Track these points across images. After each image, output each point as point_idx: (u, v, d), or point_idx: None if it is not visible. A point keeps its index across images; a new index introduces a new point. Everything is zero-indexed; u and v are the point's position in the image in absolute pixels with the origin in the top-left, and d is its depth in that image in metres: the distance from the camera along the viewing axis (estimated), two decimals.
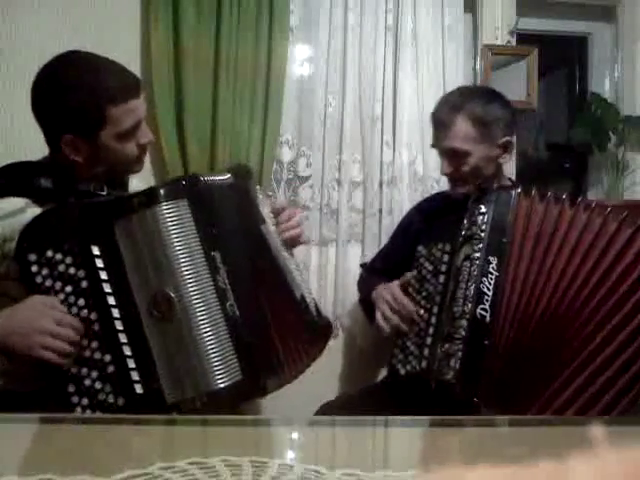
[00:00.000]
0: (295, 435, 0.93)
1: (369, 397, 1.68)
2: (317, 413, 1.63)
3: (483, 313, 1.35)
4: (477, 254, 1.40)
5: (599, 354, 1.30)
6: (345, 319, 2.15)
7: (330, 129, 2.13)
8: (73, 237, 1.14)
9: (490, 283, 1.36)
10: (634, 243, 1.35)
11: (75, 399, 1.10)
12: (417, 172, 2.16)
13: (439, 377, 1.37)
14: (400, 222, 1.91)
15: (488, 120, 1.57)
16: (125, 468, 0.64)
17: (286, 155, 2.16)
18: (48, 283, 1.13)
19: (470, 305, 1.36)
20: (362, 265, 1.97)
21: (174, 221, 1.13)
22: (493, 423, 1.08)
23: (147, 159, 1.95)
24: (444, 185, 1.85)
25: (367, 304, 1.68)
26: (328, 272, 2.14)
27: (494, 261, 1.37)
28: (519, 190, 1.45)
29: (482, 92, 1.70)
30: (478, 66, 2.31)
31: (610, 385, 1.29)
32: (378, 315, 1.53)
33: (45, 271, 1.13)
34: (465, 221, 1.44)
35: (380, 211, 2.16)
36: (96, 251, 1.13)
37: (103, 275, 1.13)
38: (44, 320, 1.10)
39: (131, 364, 1.11)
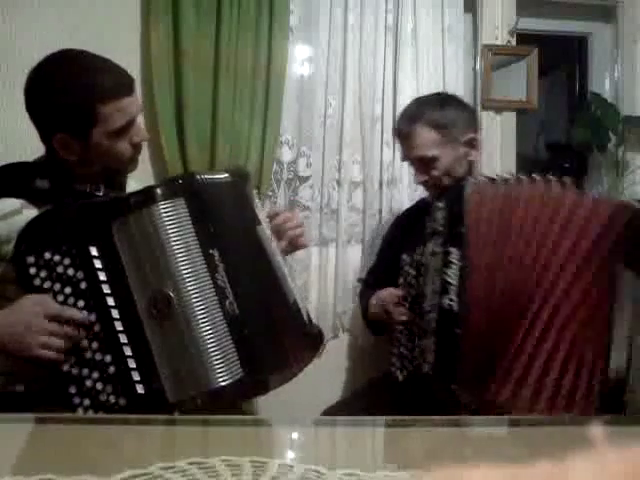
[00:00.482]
0: (295, 435, 0.93)
1: (363, 398, 1.70)
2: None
3: (450, 303, 1.38)
4: (439, 248, 1.43)
5: (553, 329, 1.31)
6: (346, 319, 2.16)
7: (330, 129, 2.13)
8: (71, 238, 1.14)
9: (454, 273, 1.39)
10: (576, 213, 1.35)
11: (77, 400, 1.10)
12: None
13: (419, 372, 1.40)
14: (384, 235, 1.97)
15: (446, 122, 1.65)
16: (125, 468, 0.64)
17: (286, 155, 2.16)
18: (47, 285, 1.13)
19: (437, 297, 1.40)
20: (359, 280, 2.01)
21: (171, 220, 1.12)
22: (493, 423, 1.08)
23: (147, 159, 1.97)
24: None
25: (367, 315, 1.75)
26: (328, 272, 2.14)
27: (455, 251, 1.40)
28: (471, 180, 1.49)
29: (436, 98, 1.77)
30: (478, 66, 2.31)
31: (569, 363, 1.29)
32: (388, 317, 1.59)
33: (43, 273, 1.13)
34: (428, 220, 1.49)
35: (380, 211, 2.16)
36: (94, 252, 1.13)
37: (102, 276, 1.12)
38: (36, 319, 1.10)
39: (132, 364, 1.11)
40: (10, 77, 1.93)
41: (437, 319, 1.39)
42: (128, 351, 1.11)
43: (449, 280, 1.39)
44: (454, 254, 1.40)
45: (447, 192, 1.52)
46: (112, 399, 1.10)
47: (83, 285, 1.13)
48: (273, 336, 1.22)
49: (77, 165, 1.28)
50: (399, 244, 1.65)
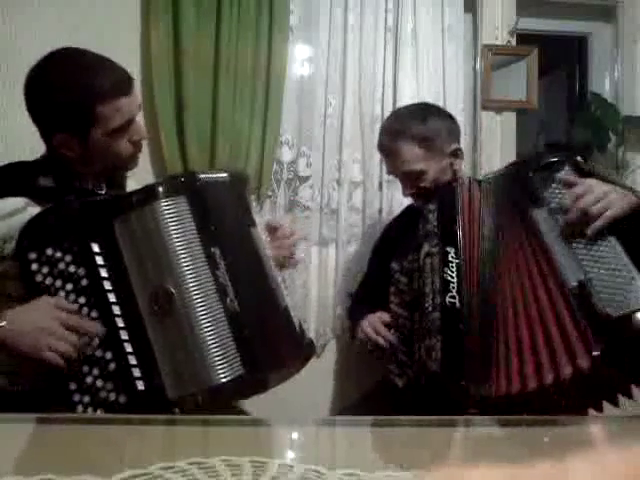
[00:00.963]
0: (295, 435, 0.93)
1: (369, 403, 1.70)
2: None
3: (452, 300, 1.39)
4: (435, 248, 1.44)
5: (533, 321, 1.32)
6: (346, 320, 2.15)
7: (330, 129, 2.13)
8: (73, 235, 1.14)
9: (452, 271, 1.40)
10: None
11: (77, 397, 1.10)
12: None
13: (426, 372, 1.39)
14: (373, 247, 1.97)
15: (430, 136, 1.66)
16: (125, 468, 0.64)
17: (286, 155, 2.16)
18: (48, 281, 1.13)
19: (439, 296, 1.40)
20: (349, 294, 2.00)
21: (173, 217, 1.13)
22: (493, 423, 1.08)
23: (147, 159, 1.98)
24: None
25: (355, 331, 1.74)
26: (328, 272, 2.14)
27: (451, 250, 1.42)
28: (460, 181, 1.51)
29: (418, 110, 1.76)
30: (478, 66, 2.31)
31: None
32: (368, 345, 1.63)
33: (45, 269, 1.13)
34: (420, 223, 1.49)
35: (380, 211, 2.16)
36: (96, 248, 1.13)
37: (103, 272, 1.13)
38: (51, 321, 1.09)
39: (132, 361, 1.11)
40: (10, 77, 1.93)
41: (441, 317, 1.39)
42: (129, 348, 1.11)
43: (449, 278, 1.40)
44: (451, 253, 1.42)
45: (437, 194, 1.53)
46: (112, 396, 1.10)
47: (84, 282, 1.13)
48: (270, 336, 1.22)
49: (78, 163, 1.28)
50: (388, 254, 1.65)
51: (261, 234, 1.32)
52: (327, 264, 2.14)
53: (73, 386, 1.11)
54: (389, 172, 1.79)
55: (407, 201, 2.09)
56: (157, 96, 1.95)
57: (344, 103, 2.13)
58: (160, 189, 1.15)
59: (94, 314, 1.13)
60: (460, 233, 1.43)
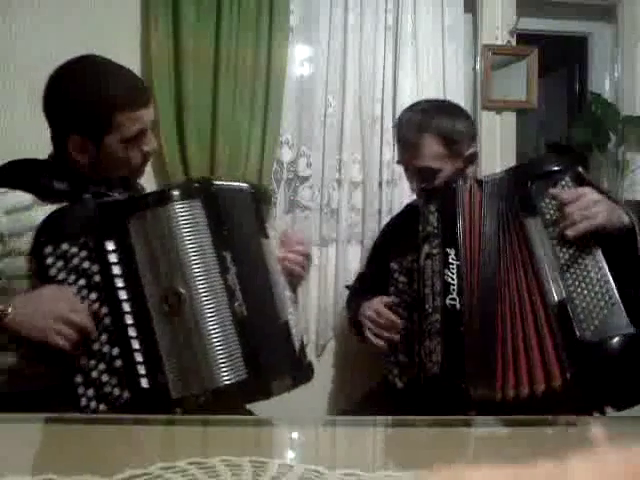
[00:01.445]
0: (295, 435, 0.93)
1: (370, 404, 1.69)
2: None
3: (453, 302, 1.39)
4: (435, 250, 1.44)
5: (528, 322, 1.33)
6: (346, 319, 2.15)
7: (330, 129, 2.13)
8: (89, 232, 1.17)
9: (453, 273, 1.40)
10: None
11: (81, 390, 1.12)
12: None
13: (426, 374, 1.39)
14: (373, 244, 1.96)
15: (456, 136, 1.62)
16: (125, 468, 0.64)
17: (286, 155, 2.16)
18: (62, 276, 1.16)
19: (439, 298, 1.40)
20: (347, 287, 2.00)
21: (187, 220, 1.16)
22: (493, 423, 1.08)
23: None
24: None
25: (355, 323, 1.71)
26: (328, 272, 2.14)
27: (452, 252, 1.42)
28: (460, 182, 1.50)
29: (447, 107, 1.73)
30: (478, 66, 2.31)
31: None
32: (367, 333, 1.57)
33: (60, 264, 1.16)
34: (420, 224, 1.49)
35: (380, 211, 2.16)
36: (110, 246, 1.16)
37: (116, 270, 1.15)
38: (60, 307, 1.12)
39: (138, 358, 1.13)
40: (10, 77, 1.93)
41: (442, 320, 1.39)
42: (136, 345, 1.13)
43: (449, 280, 1.40)
44: (452, 254, 1.41)
45: (437, 195, 1.51)
46: (116, 391, 1.12)
47: (97, 278, 1.16)
48: (268, 345, 1.22)
49: (87, 167, 1.30)
50: (388, 252, 1.63)
51: (274, 248, 1.34)
52: (327, 264, 2.14)
53: (79, 379, 1.12)
54: (400, 162, 1.72)
55: (407, 201, 2.09)
56: (157, 96, 1.95)
57: (344, 103, 2.13)
58: (176, 192, 1.18)
59: (104, 310, 1.15)
60: (461, 235, 1.43)
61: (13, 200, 1.23)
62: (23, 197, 1.24)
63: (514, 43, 2.32)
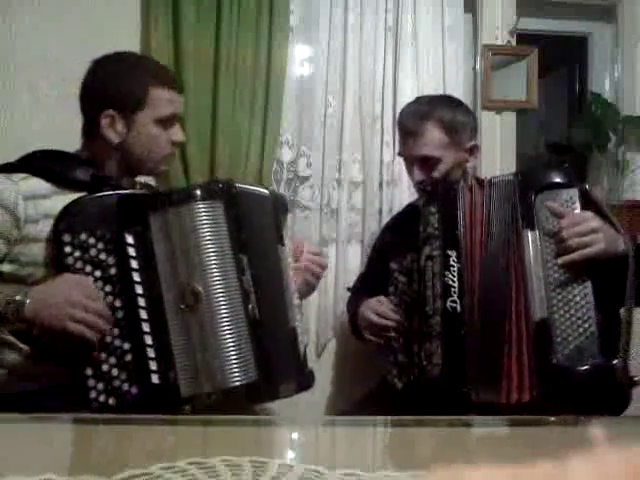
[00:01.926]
0: (295, 435, 0.93)
1: (369, 405, 1.69)
2: None
3: (453, 305, 1.39)
4: (436, 251, 1.44)
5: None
6: (346, 319, 2.15)
7: (330, 129, 2.13)
8: (108, 224, 1.18)
9: (454, 275, 1.40)
10: None
11: (92, 383, 1.12)
12: None
13: (426, 377, 1.40)
14: (373, 244, 1.96)
15: (457, 126, 1.64)
16: (125, 468, 0.64)
17: (286, 155, 2.16)
18: (79, 265, 1.16)
19: (440, 301, 1.40)
20: (348, 289, 2.00)
21: (208, 220, 1.17)
22: (493, 423, 1.08)
23: None
24: None
25: (354, 324, 1.71)
26: (328, 272, 2.13)
27: (453, 254, 1.42)
28: (462, 184, 1.50)
29: (448, 99, 1.75)
30: (478, 66, 2.31)
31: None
32: (365, 333, 1.59)
33: (77, 253, 1.17)
34: (421, 225, 1.49)
35: (380, 211, 2.16)
36: (130, 240, 1.17)
37: (134, 264, 1.16)
38: (76, 294, 1.12)
39: (150, 354, 1.13)
40: (10, 77, 1.93)
41: (442, 322, 1.39)
42: (149, 340, 1.14)
43: (450, 283, 1.40)
44: (452, 256, 1.41)
45: (438, 196, 1.51)
46: (125, 386, 1.13)
47: (113, 270, 1.17)
48: (277, 349, 1.24)
49: (116, 150, 1.32)
50: (387, 252, 1.64)
51: (288, 255, 1.36)
52: (327, 264, 2.14)
53: (89, 372, 1.13)
54: (401, 154, 1.73)
55: (407, 201, 2.09)
56: None
57: (344, 103, 2.13)
58: (199, 192, 1.19)
59: (118, 303, 1.15)
60: (462, 236, 1.43)
61: (33, 187, 1.24)
62: (42, 185, 1.25)
63: (514, 43, 2.32)
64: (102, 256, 1.17)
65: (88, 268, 1.16)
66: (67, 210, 1.18)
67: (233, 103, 1.99)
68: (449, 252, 1.42)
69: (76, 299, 1.11)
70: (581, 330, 1.31)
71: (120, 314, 1.15)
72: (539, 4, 2.39)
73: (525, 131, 2.43)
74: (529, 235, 1.37)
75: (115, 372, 1.13)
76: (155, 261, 1.16)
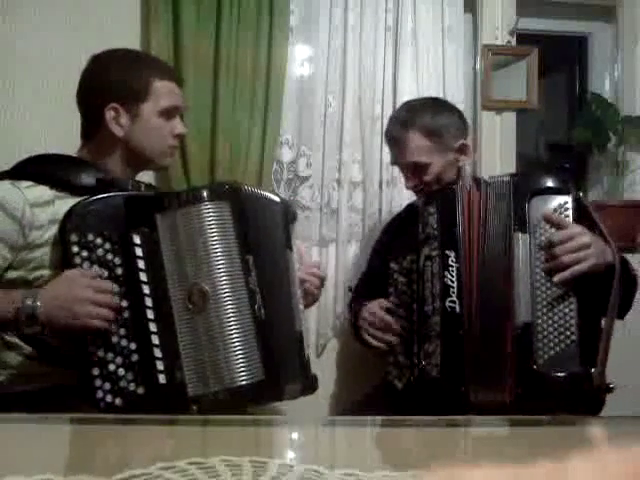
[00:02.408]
0: (295, 435, 0.93)
1: (369, 405, 1.69)
2: None
3: (452, 305, 1.40)
4: (435, 252, 1.45)
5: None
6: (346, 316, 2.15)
7: (330, 129, 2.13)
8: (115, 225, 1.18)
9: (453, 275, 1.41)
10: None
11: (98, 382, 1.12)
12: None
13: (425, 377, 1.40)
14: (373, 244, 1.96)
15: (439, 129, 1.64)
16: (125, 468, 0.64)
17: (286, 155, 2.15)
18: (85, 265, 1.16)
19: (439, 301, 1.41)
20: (350, 288, 2.00)
21: (215, 220, 1.18)
22: (493, 423, 1.08)
23: None
24: None
25: (355, 326, 1.71)
26: (328, 272, 2.13)
27: (452, 254, 1.43)
28: (460, 184, 1.52)
29: (428, 103, 1.76)
30: (478, 66, 2.31)
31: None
32: (364, 335, 1.59)
33: (84, 253, 1.17)
34: (420, 226, 1.49)
35: (380, 211, 2.16)
36: (137, 240, 1.17)
37: (141, 264, 1.17)
38: (83, 289, 1.12)
39: (157, 354, 1.13)
40: (10, 77, 1.93)
41: (441, 322, 1.40)
42: (156, 340, 1.14)
43: (449, 283, 1.40)
44: (451, 257, 1.41)
45: (437, 197, 1.52)
46: (132, 386, 1.13)
47: (120, 270, 1.17)
48: (285, 350, 1.25)
49: (118, 147, 1.33)
50: (387, 252, 1.65)
51: (296, 262, 1.37)
52: (327, 264, 2.14)
53: (96, 371, 1.13)
54: (393, 163, 1.77)
55: (407, 201, 2.09)
56: None
57: (344, 103, 2.13)
58: (206, 193, 1.19)
59: (124, 303, 1.15)
60: (460, 237, 1.43)
61: (38, 194, 1.24)
62: (47, 192, 1.25)
63: (514, 43, 2.32)
64: (109, 256, 1.17)
65: (95, 268, 1.17)
66: (74, 210, 1.19)
67: (233, 103, 1.99)
68: (448, 252, 1.43)
69: (84, 296, 1.12)
70: (562, 337, 1.33)
71: (127, 314, 1.15)
72: (539, 4, 2.39)
73: (525, 131, 2.43)
74: (521, 238, 1.39)
75: (122, 372, 1.13)
76: (162, 261, 1.16)
